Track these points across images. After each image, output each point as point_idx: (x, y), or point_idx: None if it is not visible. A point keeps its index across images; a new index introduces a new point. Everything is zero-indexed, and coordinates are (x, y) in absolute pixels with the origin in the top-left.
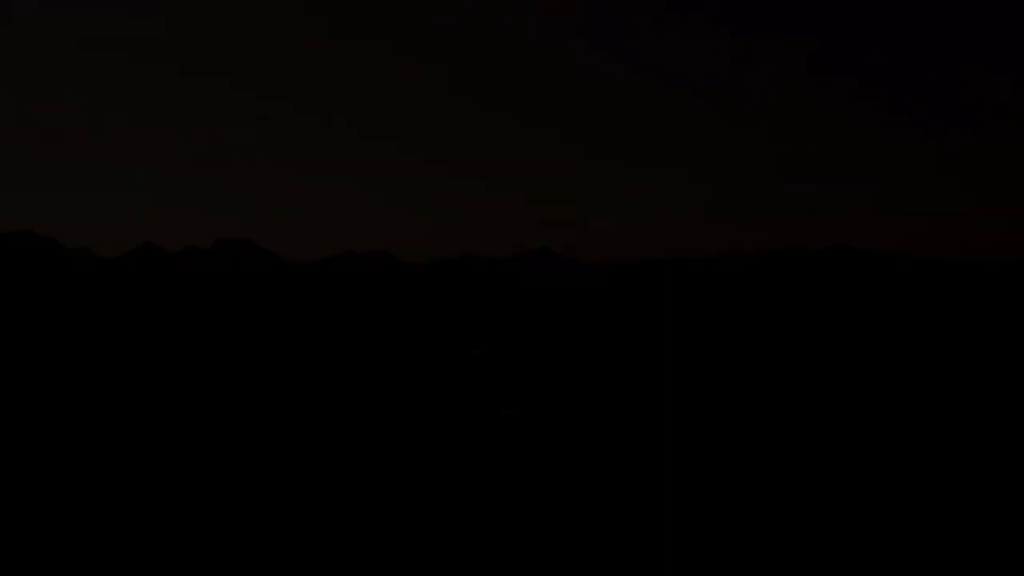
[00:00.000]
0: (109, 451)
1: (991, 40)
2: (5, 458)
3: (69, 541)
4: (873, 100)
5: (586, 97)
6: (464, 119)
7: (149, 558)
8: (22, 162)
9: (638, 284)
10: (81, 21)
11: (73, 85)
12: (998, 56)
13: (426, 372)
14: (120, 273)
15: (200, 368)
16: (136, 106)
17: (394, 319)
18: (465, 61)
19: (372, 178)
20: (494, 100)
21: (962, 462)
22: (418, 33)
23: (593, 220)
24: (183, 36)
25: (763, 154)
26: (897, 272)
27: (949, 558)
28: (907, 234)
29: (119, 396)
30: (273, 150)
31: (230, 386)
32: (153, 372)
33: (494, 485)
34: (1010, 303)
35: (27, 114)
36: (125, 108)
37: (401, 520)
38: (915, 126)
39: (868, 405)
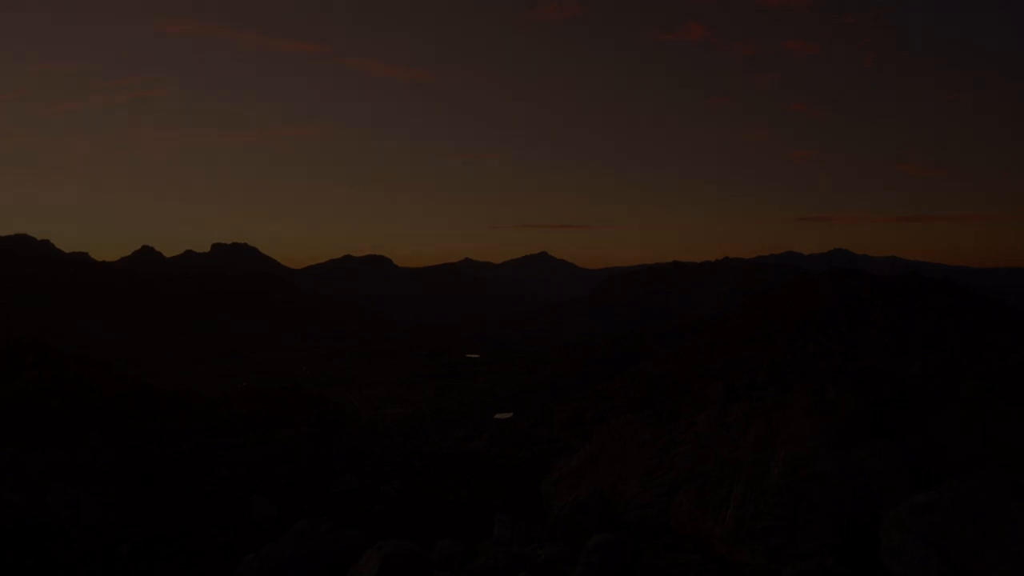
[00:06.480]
0: None
1: None
2: None
3: None
4: None
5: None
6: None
7: None
8: (18, 164)
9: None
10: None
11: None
12: None
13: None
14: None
15: None
16: (135, 108)
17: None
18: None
19: (372, 181)
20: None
21: None
22: (418, 36)
23: (591, 224)
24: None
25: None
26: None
27: None
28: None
29: None
30: (272, 152)
31: None
32: None
33: None
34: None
35: (25, 115)
36: (125, 110)
37: None
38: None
39: None
